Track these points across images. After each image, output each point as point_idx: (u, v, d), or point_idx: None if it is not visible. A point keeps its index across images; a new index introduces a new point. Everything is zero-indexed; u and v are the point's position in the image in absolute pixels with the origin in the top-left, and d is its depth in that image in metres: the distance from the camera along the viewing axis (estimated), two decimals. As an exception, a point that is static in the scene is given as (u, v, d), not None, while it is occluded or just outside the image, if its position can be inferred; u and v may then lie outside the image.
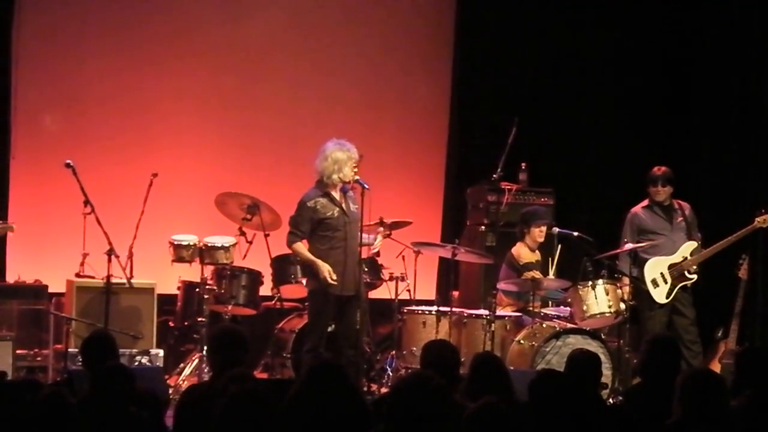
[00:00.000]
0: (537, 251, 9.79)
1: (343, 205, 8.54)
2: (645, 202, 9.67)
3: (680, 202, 9.72)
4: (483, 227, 10.54)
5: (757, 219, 9.42)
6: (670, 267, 9.50)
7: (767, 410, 5.12)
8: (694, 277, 9.52)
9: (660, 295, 9.47)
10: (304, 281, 9.53)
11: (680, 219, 9.62)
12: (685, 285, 9.53)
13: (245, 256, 9.72)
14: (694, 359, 9.34)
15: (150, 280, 9.63)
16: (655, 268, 9.50)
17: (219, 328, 6.87)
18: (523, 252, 9.68)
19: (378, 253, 9.68)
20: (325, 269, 8.42)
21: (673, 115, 11.53)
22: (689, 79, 11.50)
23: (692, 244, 9.56)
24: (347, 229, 8.51)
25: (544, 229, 9.70)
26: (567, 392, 4.99)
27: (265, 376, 9.42)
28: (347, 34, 11.52)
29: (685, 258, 9.52)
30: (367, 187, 8.46)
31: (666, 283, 9.48)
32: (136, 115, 10.82)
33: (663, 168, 9.60)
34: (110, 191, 9.98)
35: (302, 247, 8.58)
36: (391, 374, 9.63)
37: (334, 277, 8.42)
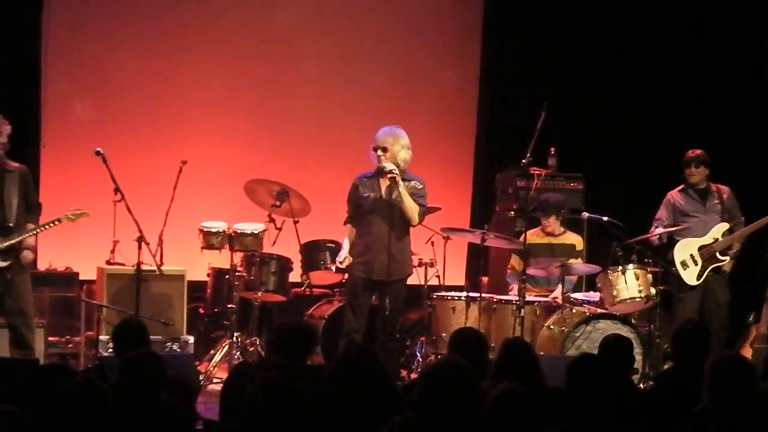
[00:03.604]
0: (566, 234, 9.75)
1: (383, 190, 8.50)
2: (681, 186, 9.61)
3: (719, 186, 9.63)
4: (512, 213, 10.51)
5: None
6: (701, 249, 9.43)
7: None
8: (726, 259, 9.44)
9: (690, 276, 9.40)
10: (333, 267, 9.56)
11: (716, 202, 9.53)
12: (718, 267, 9.46)
13: (275, 242, 9.74)
14: (717, 348, 9.23)
15: (180, 267, 9.67)
16: (685, 249, 9.44)
17: (291, 324, 6.61)
18: (530, 235, 9.55)
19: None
20: (342, 256, 8.63)
21: (703, 99, 11.46)
22: (720, 63, 11.43)
23: (723, 226, 9.49)
24: (380, 214, 8.47)
25: (549, 220, 9.65)
26: (606, 376, 4.98)
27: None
28: (375, 19, 11.51)
29: (716, 240, 9.45)
30: (392, 174, 8.38)
31: (696, 264, 9.41)
32: (166, 103, 10.86)
33: (698, 150, 9.53)
34: (140, 179, 10.02)
35: (348, 230, 8.65)
36: (420, 360, 9.65)
37: (341, 262, 8.63)
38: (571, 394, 4.89)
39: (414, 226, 8.67)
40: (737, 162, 11.13)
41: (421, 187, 8.55)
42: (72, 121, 10.60)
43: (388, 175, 8.35)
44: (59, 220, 8.53)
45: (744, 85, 11.23)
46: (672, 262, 9.40)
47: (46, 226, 8.43)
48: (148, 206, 9.20)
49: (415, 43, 11.59)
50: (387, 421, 4.61)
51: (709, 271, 9.43)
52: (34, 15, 10.31)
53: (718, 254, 9.43)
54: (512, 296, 9.36)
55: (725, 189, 9.64)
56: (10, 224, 8.25)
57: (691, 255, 9.43)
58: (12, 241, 8.23)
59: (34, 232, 8.36)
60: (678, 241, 9.44)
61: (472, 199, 11.65)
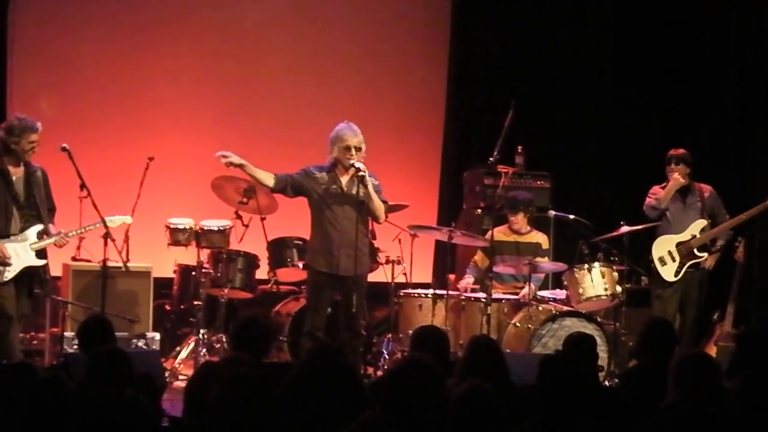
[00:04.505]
0: (532, 233, 9.78)
1: (344, 186, 8.49)
2: (663, 184, 9.61)
3: (702, 185, 9.65)
4: (479, 210, 10.54)
5: None
6: (678, 245, 9.46)
7: (762, 392, 5.11)
8: (704, 255, 9.47)
9: (668, 273, 9.43)
10: (300, 264, 9.55)
11: (696, 200, 9.56)
12: (696, 264, 9.48)
13: (241, 239, 9.73)
14: (685, 345, 9.25)
15: (146, 263, 9.64)
16: (663, 246, 9.47)
17: (246, 319, 6.61)
18: (496, 232, 9.55)
19: (374, 236, 9.66)
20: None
21: (671, 97, 11.50)
22: (689, 63, 11.47)
23: (701, 223, 9.51)
24: (344, 209, 8.46)
25: (517, 217, 9.67)
26: (578, 374, 5.01)
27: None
28: (344, 17, 11.50)
29: (694, 236, 9.48)
30: (362, 172, 8.37)
31: (674, 261, 9.44)
32: (133, 99, 10.82)
33: (680, 149, 9.56)
34: (106, 175, 9.96)
35: (274, 175, 8.57)
36: (387, 357, 9.64)
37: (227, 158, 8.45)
38: (542, 391, 4.91)
39: (380, 223, 8.71)
40: (708, 161, 11.18)
41: (377, 182, 8.57)
42: (38, 117, 10.44)
43: (359, 174, 8.33)
44: (103, 223, 8.53)
45: (713, 84, 11.27)
46: (651, 259, 9.45)
47: (88, 228, 8.49)
48: (114, 203, 9.15)
49: (384, 41, 11.58)
50: (354, 418, 4.62)
51: (688, 268, 9.45)
52: (0, 11, 10.23)
53: (695, 251, 9.46)
54: (469, 292, 9.39)
55: (707, 188, 9.66)
56: (45, 225, 8.28)
57: (669, 251, 9.46)
58: (50, 242, 8.29)
59: (74, 234, 8.38)
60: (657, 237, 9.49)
61: (440, 196, 11.66)
